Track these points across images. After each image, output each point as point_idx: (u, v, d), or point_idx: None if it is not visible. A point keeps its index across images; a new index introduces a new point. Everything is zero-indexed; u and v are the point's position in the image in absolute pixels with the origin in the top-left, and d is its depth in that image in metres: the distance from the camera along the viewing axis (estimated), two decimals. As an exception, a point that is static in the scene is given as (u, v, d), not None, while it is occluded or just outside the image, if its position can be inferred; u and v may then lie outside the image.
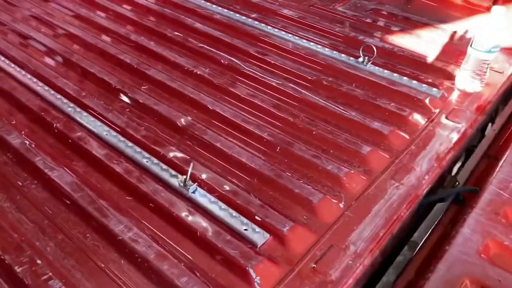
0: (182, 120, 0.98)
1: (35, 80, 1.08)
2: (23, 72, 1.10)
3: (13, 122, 0.96)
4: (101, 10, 1.44)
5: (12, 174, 0.83)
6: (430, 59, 1.22)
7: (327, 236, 0.74)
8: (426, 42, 1.29)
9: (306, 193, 0.81)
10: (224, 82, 1.10)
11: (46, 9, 1.43)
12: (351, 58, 1.20)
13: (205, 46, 1.24)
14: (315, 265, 0.69)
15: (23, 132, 0.92)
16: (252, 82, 1.11)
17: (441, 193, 0.90)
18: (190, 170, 0.79)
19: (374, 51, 1.16)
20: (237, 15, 1.40)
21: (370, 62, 1.17)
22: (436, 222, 0.86)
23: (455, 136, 0.97)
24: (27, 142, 0.90)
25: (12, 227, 0.73)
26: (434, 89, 1.09)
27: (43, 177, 0.82)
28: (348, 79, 1.13)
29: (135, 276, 0.67)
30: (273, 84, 1.10)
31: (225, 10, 1.43)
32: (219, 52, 1.22)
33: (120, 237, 0.72)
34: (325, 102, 1.05)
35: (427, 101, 1.06)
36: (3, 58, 1.15)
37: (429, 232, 0.83)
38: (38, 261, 0.68)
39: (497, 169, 0.87)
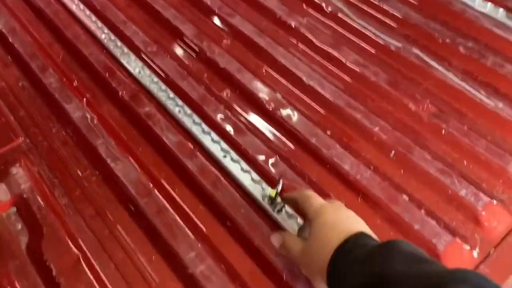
0: (267, 96, 0.77)
1: (100, 24, 0.90)
2: (87, 12, 0.93)
3: (74, 84, 0.81)
4: None
5: (72, 159, 0.71)
6: None
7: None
8: None
9: (429, 233, 0.61)
10: (326, 40, 0.85)
11: None
12: (502, 11, 0.88)
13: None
14: None
15: (84, 100, 0.78)
16: (362, 43, 0.86)
17: None
18: (280, 185, 0.62)
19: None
20: None
21: (530, 21, 0.85)
22: None
23: None
24: (89, 116, 0.76)
25: (71, 236, 0.63)
26: None
27: (105, 169, 0.69)
28: (495, 46, 0.83)
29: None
30: (391, 47, 0.84)
31: None
32: (322, -7, 0.95)
33: (190, 271, 0.59)
34: (460, 81, 0.78)
35: None
36: (66, -9, 0.98)
37: None
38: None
39: None
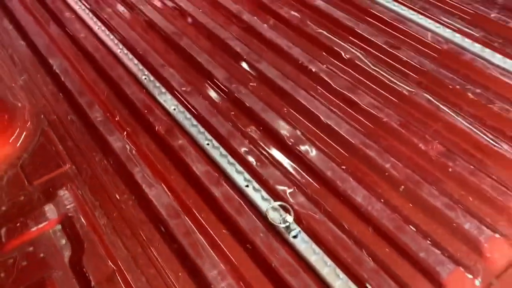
0: (288, 133, 0.85)
1: (141, 67, 1.02)
2: (130, 56, 1.05)
3: (116, 119, 0.92)
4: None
5: (112, 184, 0.80)
6: None
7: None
8: None
9: (433, 261, 0.66)
10: (344, 85, 0.94)
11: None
12: (509, 61, 0.95)
13: (324, 33, 1.07)
14: None
15: (125, 133, 0.88)
16: (377, 87, 0.93)
17: None
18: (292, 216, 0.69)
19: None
20: (366, -11, 1.18)
21: (537, 71, 0.92)
22: None
23: None
24: (128, 147, 0.85)
25: (108, 252, 0.70)
26: None
27: (140, 194, 0.78)
28: (502, 93, 0.89)
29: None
30: (404, 92, 0.91)
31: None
32: (341, 42, 1.04)
33: (213, 286, 0.65)
34: (469, 125, 0.84)
35: None
36: (112, 37, 1.11)
37: None
38: (129, 302, 0.65)
39: None
